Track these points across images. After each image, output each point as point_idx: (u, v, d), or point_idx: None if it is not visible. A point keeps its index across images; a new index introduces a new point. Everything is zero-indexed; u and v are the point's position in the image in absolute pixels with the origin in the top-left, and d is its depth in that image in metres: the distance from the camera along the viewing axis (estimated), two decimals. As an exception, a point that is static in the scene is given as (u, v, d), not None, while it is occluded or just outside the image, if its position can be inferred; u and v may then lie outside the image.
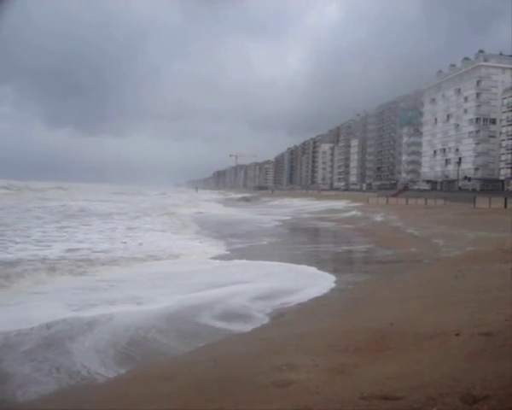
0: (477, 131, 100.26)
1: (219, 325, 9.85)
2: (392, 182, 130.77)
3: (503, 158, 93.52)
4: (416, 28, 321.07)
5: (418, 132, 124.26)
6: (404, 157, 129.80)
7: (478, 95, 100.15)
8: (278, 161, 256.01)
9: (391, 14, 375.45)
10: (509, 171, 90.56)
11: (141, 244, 22.77)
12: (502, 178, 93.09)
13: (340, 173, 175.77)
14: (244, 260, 18.37)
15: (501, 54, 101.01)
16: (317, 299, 12.24)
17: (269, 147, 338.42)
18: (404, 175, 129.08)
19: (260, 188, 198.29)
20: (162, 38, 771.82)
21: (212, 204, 78.13)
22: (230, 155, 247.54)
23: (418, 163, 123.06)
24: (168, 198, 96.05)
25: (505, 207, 47.09)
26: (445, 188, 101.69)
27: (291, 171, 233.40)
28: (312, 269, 17.14)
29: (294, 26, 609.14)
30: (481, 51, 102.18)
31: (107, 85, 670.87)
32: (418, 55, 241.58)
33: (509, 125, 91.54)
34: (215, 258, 19.42)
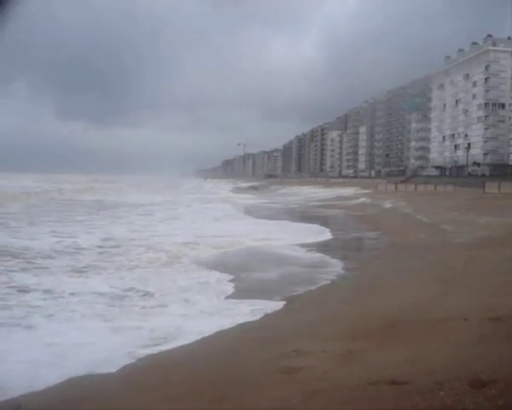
0: (486, 116, 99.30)
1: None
2: (401, 168, 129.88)
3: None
4: (428, 13, 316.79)
5: (427, 118, 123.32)
6: (413, 143, 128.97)
7: (486, 79, 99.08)
8: (286, 149, 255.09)
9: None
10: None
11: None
12: (511, 163, 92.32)
13: (348, 161, 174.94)
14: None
15: (509, 38, 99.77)
16: (325, 286, 12.27)
17: (278, 135, 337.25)
18: (412, 161, 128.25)
19: (269, 176, 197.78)
20: (181, 28, 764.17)
21: (234, 194, 79.37)
22: (238, 144, 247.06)
23: (427, 149, 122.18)
24: (209, 190, 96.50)
25: (515, 191, 46.71)
26: (454, 174, 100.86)
27: (299, 159, 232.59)
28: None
29: (310, 15, 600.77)
30: (489, 36, 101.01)
31: (127, 76, 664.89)
32: (428, 41, 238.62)
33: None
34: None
